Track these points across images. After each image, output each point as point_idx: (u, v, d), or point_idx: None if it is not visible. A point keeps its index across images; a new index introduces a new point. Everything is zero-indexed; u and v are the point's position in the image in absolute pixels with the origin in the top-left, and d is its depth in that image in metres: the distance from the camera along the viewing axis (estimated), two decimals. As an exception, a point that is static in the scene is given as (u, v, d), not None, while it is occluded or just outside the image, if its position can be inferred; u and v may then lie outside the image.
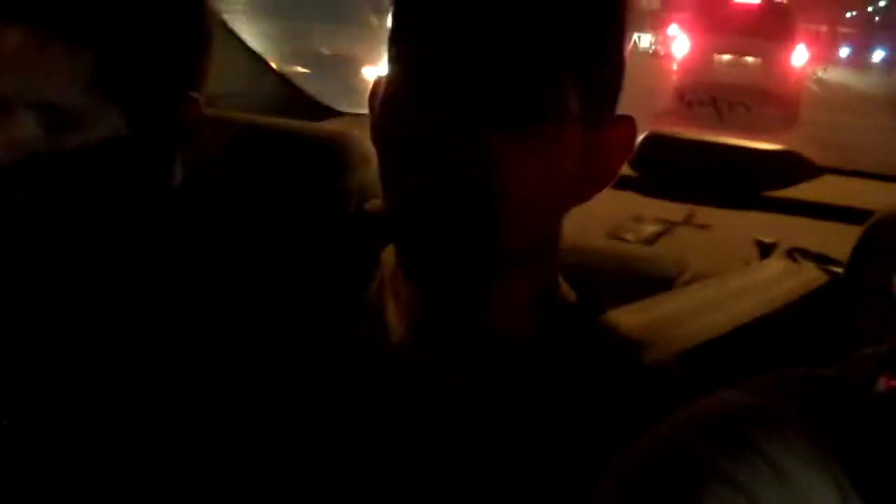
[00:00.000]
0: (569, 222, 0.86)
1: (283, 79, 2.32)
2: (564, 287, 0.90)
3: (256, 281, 0.94)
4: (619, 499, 0.56)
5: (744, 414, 0.58)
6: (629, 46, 0.88)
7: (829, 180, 2.10)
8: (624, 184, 1.70)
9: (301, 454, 0.83)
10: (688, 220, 1.54)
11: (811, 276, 1.12)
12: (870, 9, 38.39)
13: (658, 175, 1.80)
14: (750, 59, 12.31)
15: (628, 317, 0.91)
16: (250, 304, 0.92)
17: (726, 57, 12.39)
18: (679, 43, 13.00)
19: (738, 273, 1.10)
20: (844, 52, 29.88)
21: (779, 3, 13.40)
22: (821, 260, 1.21)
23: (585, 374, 0.83)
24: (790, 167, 2.08)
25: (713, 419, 0.58)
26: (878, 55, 28.15)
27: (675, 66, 12.56)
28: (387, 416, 0.83)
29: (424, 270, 0.79)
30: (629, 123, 0.85)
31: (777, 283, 1.08)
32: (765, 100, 10.54)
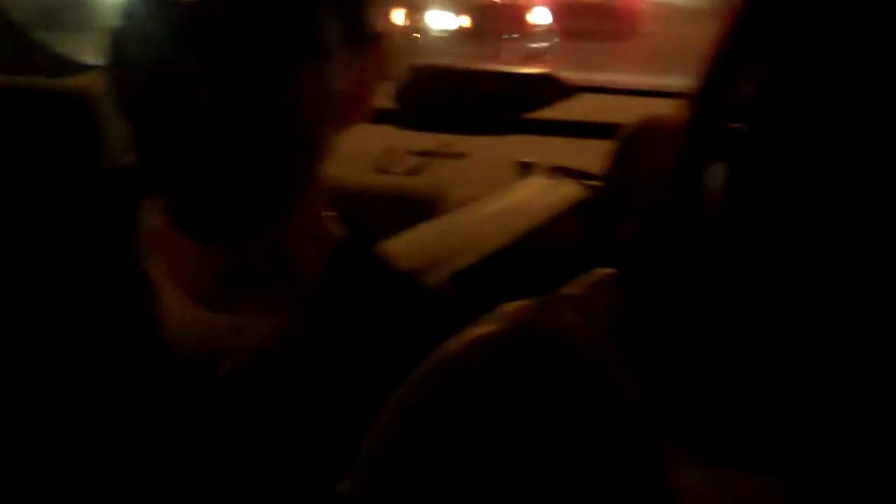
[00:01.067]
0: (334, 159, 0.85)
1: (20, 32, 2.17)
2: (335, 223, 0.89)
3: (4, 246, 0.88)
4: (406, 419, 0.57)
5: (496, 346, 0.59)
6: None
7: (584, 99, 2.19)
8: (388, 117, 1.71)
9: (80, 435, 0.80)
10: (449, 149, 1.57)
11: (571, 190, 1.17)
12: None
13: (422, 107, 1.82)
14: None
15: (398, 247, 0.92)
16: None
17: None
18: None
19: (500, 194, 1.13)
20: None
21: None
22: (579, 175, 1.26)
23: (368, 306, 0.84)
24: (546, 89, 2.15)
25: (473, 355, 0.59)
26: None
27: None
28: (180, 385, 0.80)
29: (199, 218, 0.77)
30: (385, 47, 0.86)
31: (538, 199, 1.12)
32: (608, 16, 13.97)
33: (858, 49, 0.49)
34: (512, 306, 0.63)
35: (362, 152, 1.44)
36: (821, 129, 0.49)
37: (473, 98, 1.93)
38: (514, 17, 12.85)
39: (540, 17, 13.30)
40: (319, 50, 0.77)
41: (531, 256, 1.06)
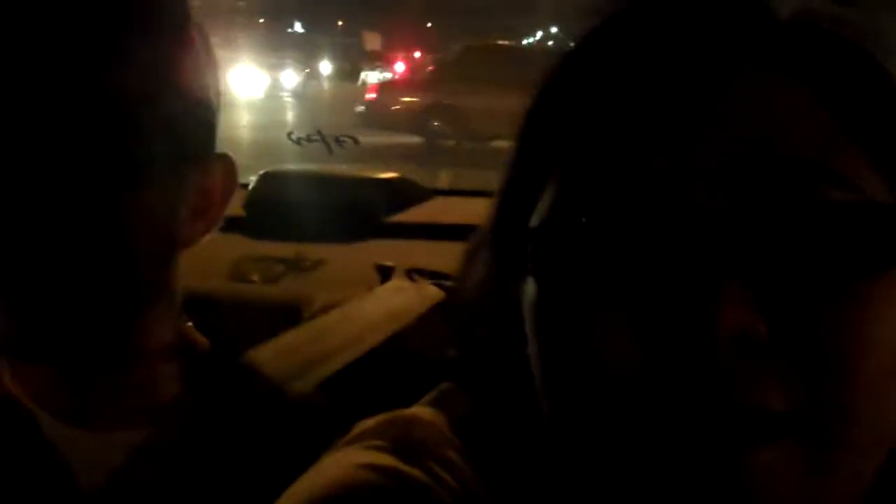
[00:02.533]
0: (186, 268, 0.84)
1: None
2: (194, 335, 0.88)
3: None
4: None
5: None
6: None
7: (439, 202, 2.23)
8: (239, 226, 1.70)
9: None
10: (306, 257, 1.57)
11: (428, 292, 1.18)
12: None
13: (273, 213, 1.82)
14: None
15: (265, 355, 0.91)
16: None
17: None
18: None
19: (362, 298, 1.14)
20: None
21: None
22: (436, 276, 1.28)
23: (237, 417, 0.83)
24: (401, 192, 2.18)
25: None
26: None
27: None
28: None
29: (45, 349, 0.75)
30: (228, 162, 0.85)
31: (399, 302, 1.13)
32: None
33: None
34: (368, 422, 0.63)
35: (216, 262, 1.43)
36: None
37: (328, 203, 1.94)
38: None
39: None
40: (141, 176, 0.75)
41: (396, 359, 1.06)
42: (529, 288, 0.54)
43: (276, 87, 20.81)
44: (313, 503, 0.54)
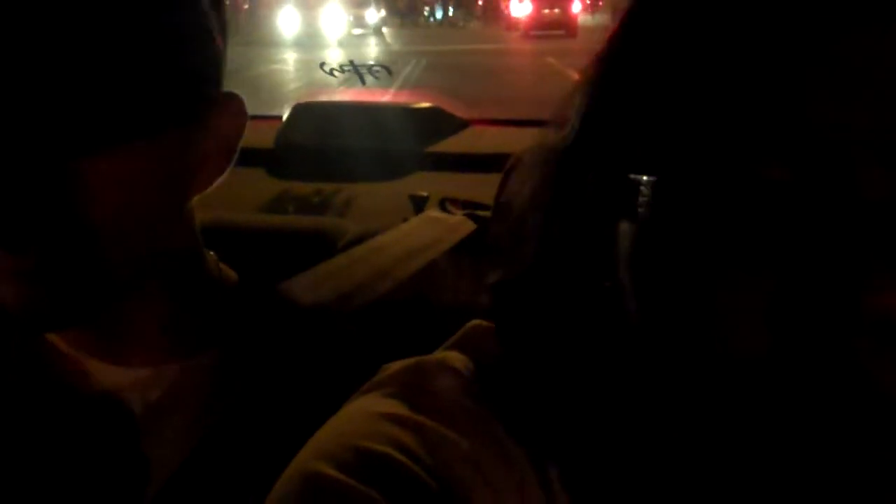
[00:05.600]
0: (216, 201, 0.84)
1: None
2: (220, 267, 0.88)
3: None
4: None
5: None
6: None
7: (474, 131, 2.22)
8: (272, 158, 1.70)
9: None
10: (338, 188, 1.57)
11: (462, 223, 1.17)
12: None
13: (306, 145, 1.81)
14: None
15: (296, 286, 0.91)
16: None
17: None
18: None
19: (394, 229, 1.13)
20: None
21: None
22: (470, 206, 1.26)
23: (267, 349, 0.83)
24: (437, 123, 2.17)
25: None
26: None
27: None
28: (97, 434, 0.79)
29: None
30: (237, 101, 0.83)
31: (430, 234, 1.12)
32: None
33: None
34: (394, 367, 0.62)
35: (249, 194, 1.43)
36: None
37: (361, 134, 1.93)
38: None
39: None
40: (106, 139, 0.69)
41: (428, 291, 1.06)
42: (639, 232, 0.51)
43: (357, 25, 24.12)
44: (335, 454, 0.54)
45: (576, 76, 0.59)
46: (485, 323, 0.65)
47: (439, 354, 0.63)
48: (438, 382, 0.60)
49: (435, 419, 0.56)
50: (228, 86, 0.83)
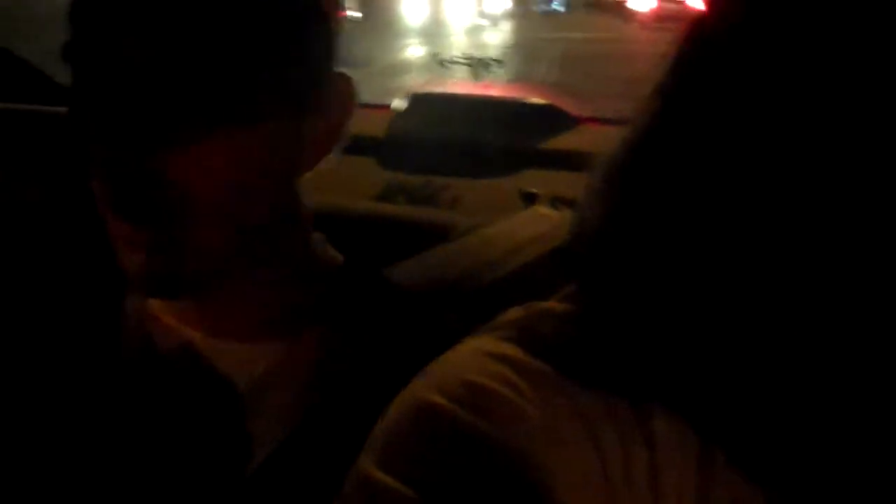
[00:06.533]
0: (329, 187, 0.85)
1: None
2: (328, 250, 0.89)
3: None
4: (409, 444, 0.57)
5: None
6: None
7: (585, 130, 2.20)
8: (386, 147, 1.71)
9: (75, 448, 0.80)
10: (451, 182, 1.57)
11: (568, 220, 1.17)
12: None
13: (422, 136, 1.82)
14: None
15: (403, 272, 0.93)
16: None
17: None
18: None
19: (503, 222, 1.14)
20: None
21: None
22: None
23: (380, 330, 0.85)
24: (551, 120, 2.16)
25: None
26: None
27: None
28: (199, 404, 0.81)
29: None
30: (347, 81, 0.84)
31: (540, 229, 1.12)
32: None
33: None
34: (509, 314, 0.65)
35: (363, 182, 1.44)
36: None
37: (479, 126, 1.93)
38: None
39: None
40: (225, 122, 0.73)
41: (531, 286, 1.06)
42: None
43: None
44: (447, 386, 0.57)
45: None
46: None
47: (549, 303, 0.65)
48: (545, 327, 0.62)
49: (540, 359, 0.58)
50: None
